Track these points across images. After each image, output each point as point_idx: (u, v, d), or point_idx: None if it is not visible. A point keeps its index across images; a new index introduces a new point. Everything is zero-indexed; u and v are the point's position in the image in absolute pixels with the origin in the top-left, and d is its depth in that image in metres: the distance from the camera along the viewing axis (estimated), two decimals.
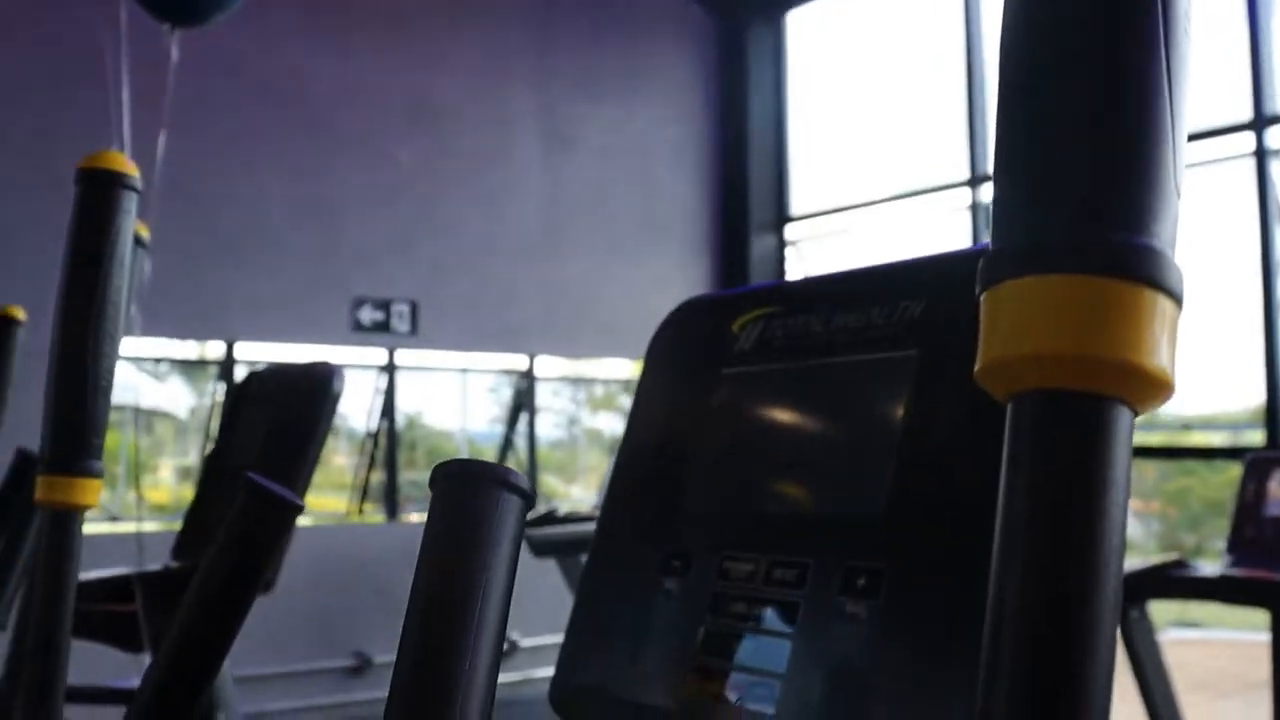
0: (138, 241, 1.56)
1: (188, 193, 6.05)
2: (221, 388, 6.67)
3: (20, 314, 2.37)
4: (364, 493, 7.02)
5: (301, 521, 6.73)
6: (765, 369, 0.99)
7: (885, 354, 0.88)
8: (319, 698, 6.32)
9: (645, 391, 1.11)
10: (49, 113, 5.84)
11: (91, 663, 1.83)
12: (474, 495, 0.62)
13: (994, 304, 0.45)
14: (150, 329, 5.68)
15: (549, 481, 8.43)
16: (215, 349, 6.70)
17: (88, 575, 2.12)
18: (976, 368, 0.46)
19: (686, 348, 1.09)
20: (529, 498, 0.63)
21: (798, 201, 8.48)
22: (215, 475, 2.15)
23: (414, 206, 7.12)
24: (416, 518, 7.14)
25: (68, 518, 1.10)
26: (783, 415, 0.98)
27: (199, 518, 2.08)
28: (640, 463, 1.06)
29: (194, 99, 5.62)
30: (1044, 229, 0.44)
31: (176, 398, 8.17)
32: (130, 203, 1.18)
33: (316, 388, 1.96)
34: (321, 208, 6.79)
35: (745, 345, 1.02)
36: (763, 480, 0.95)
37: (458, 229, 7.27)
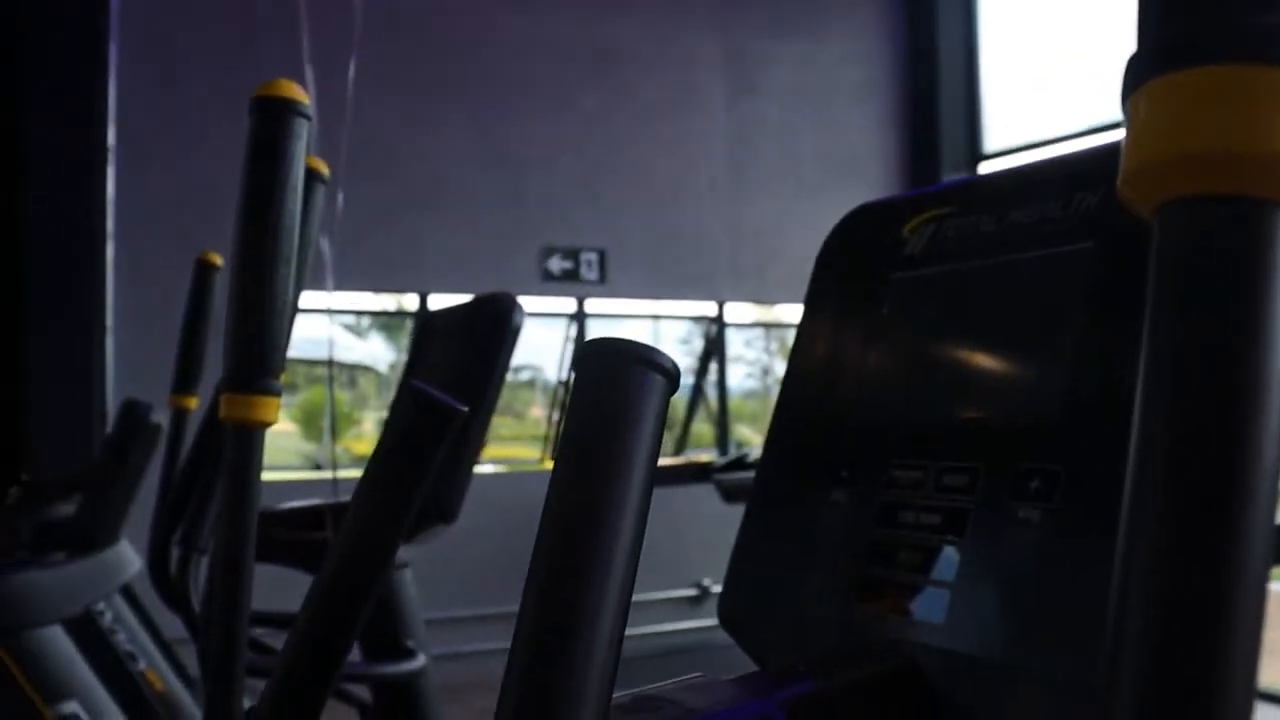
0: (317, 177, 1.60)
1: (378, 148, 6.22)
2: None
3: (218, 260, 2.48)
4: (555, 440, 7.13)
5: (496, 469, 6.88)
6: (936, 271, 0.96)
7: (1060, 249, 0.84)
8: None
9: (814, 301, 1.09)
10: (241, 73, 6.07)
11: (284, 592, 1.89)
12: (616, 373, 0.60)
13: (1136, 109, 0.40)
14: (346, 283, 5.88)
15: (741, 431, 8.43)
16: (410, 302, 6.89)
17: (283, 505, 2.20)
18: (1118, 181, 0.40)
19: (856, 254, 1.06)
20: (673, 377, 0.62)
21: (991, 138, 8.22)
22: None
23: (599, 154, 7.17)
24: None
25: (249, 434, 1.13)
26: (953, 318, 0.94)
27: None
28: (808, 374, 1.04)
29: (380, 55, 5.76)
30: (1188, 20, 0.39)
31: (377, 352, 8.44)
32: (301, 129, 1.20)
33: (496, 319, 1.98)
34: (508, 158, 6.89)
35: (916, 249, 0.98)
36: (932, 386, 0.92)
37: (643, 175, 7.29)
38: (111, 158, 6.03)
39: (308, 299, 5.50)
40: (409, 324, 7.36)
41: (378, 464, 0.92)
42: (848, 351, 1.01)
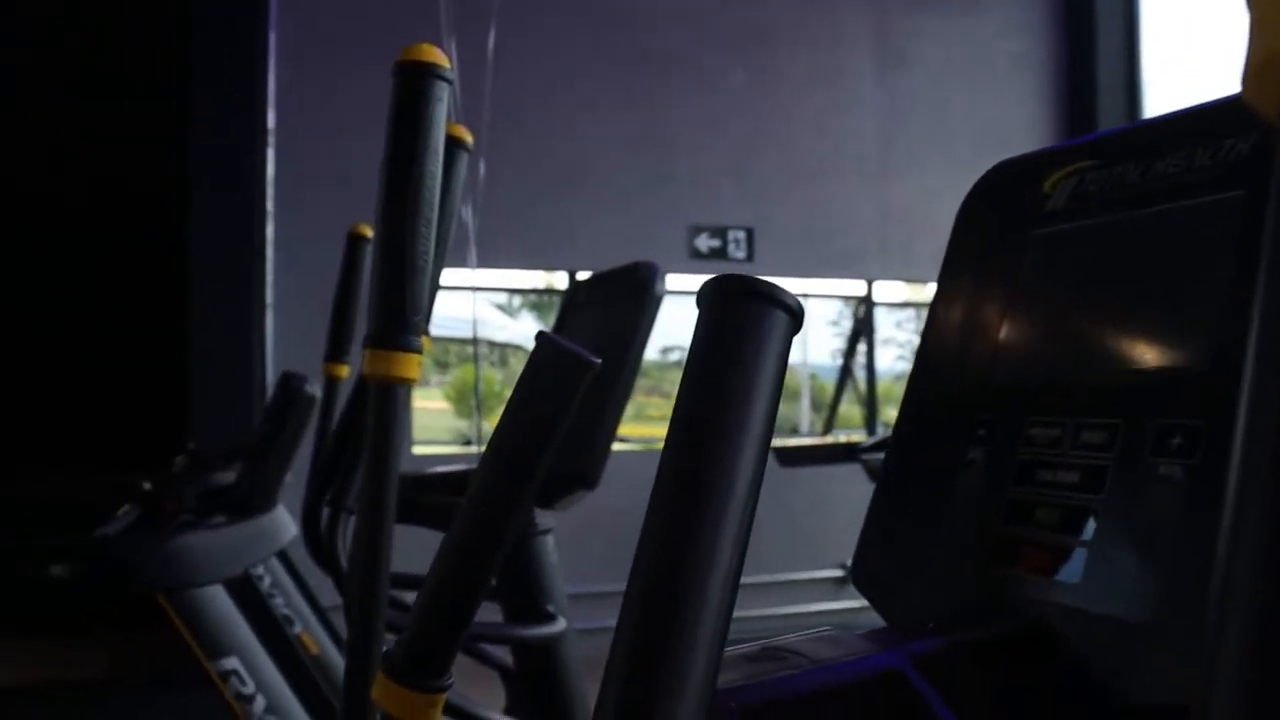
0: (460, 145, 1.62)
1: (526, 127, 6.29)
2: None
3: (369, 231, 2.54)
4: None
5: (643, 447, 6.90)
6: (1079, 225, 0.93)
7: (1208, 198, 0.81)
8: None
9: (952, 260, 1.07)
10: (387, 60, 6.19)
11: (429, 557, 1.93)
12: (736, 311, 0.60)
13: None
14: (494, 261, 5.97)
15: (890, 413, 8.32)
16: (560, 280, 6.96)
17: (429, 470, 2.25)
18: (1240, 81, 0.33)
19: (995, 211, 1.04)
20: (797, 315, 0.61)
21: (1152, 110, 7.95)
22: None
23: (746, 131, 7.13)
24: None
25: (391, 390, 1.16)
26: (1095, 272, 0.91)
27: None
28: (945, 334, 1.02)
29: (525, 33, 5.82)
30: None
31: (528, 331, 8.55)
32: (442, 92, 1.22)
33: (639, 287, 1.98)
34: (655, 136, 6.90)
35: (1057, 203, 0.96)
36: (1073, 341, 0.89)
37: (791, 152, 7.23)
38: (271, 140, 6.21)
39: (454, 276, 5.61)
40: (559, 303, 7.44)
41: (512, 414, 0.93)
42: (986, 310, 0.98)
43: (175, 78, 6.30)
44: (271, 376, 6.02)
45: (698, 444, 0.57)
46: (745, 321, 0.59)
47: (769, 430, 0.59)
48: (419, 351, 1.17)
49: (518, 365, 8.35)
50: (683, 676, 0.52)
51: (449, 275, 5.84)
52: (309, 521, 2.19)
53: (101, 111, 7.60)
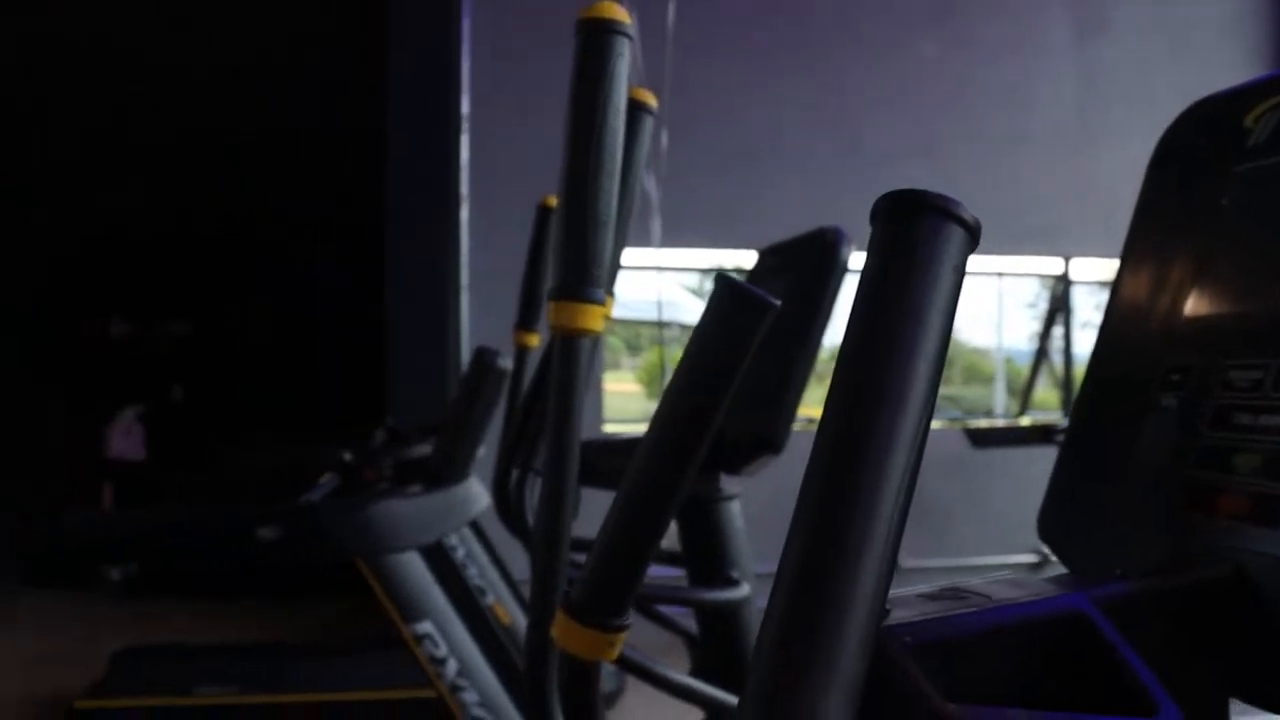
0: (644, 108, 1.63)
1: (708, 102, 6.27)
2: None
3: (554, 201, 2.58)
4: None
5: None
6: None
7: None
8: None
9: (1147, 203, 1.03)
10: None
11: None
12: (911, 225, 0.59)
13: None
14: (678, 239, 5.98)
15: None
16: (748, 259, 6.94)
17: (609, 436, 2.28)
18: None
19: (1194, 149, 0.99)
20: (974, 230, 0.60)
21: None
22: None
23: (936, 102, 6.97)
24: (938, 424, 7.04)
25: (575, 342, 1.18)
26: None
27: None
28: (1139, 279, 0.99)
29: (706, 6, 5.80)
30: None
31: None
32: (623, 48, 1.23)
33: (824, 251, 1.96)
34: (839, 110, 6.80)
35: (1260, 138, 0.91)
36: (1275, 281, 0.85)
37: (983, 124, 7.04)
38: (465, 125, 6.36)
39: (640, 256, 5.64)
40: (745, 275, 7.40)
41: (691, 357, 0.94)
42: (1183, 252, 0.94)
43: (372, 69, 6.51)
44: (465, 354, 6.18)
45: (872, 358, 0.56)
46: (920, 236, 0.58)
47: (944, 346, 0.58)
48: (603, 304, 1.19)
49: None
50: (846, 606, 0.51)
51: (636, 255, 5.92)
52: (499, 484, 2.25)
53: (305, 104, 7.91)
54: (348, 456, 3.68)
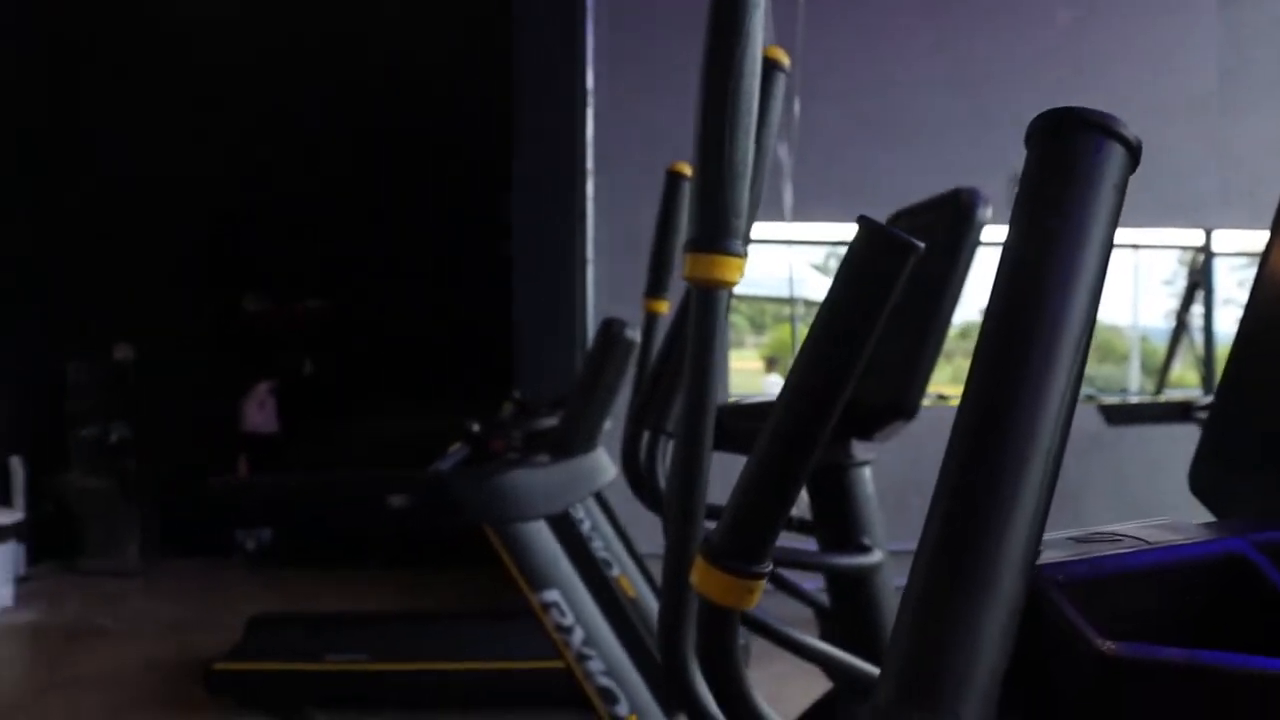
0: (777, 66, 1.61)
1: (839, 73, 6.19)
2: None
3: (688, 169, 2.56)
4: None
5: (937, 403, 6.71)
6: None
7: None
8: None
9: None
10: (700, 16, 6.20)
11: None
12: (1067, 142, 0.56)
13: None
14: (806, 214, 5.92)
15: None
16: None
17: (742, 400, 2.26)
18: None
19: None
20: (1134, 148, 0.57)
21: None
22: None
23: (1072, 71, 6.76)
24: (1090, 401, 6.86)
25: (712, 294, 1.16)
26: None
27: None
28: None
29: None
30: None
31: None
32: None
33: (960, 214, 1.92)
34: (973, 79, 6.65)
35: None
36: None
37: (1121, 92, 6.81)
38: (590, 100, 6.37)
39: (769, 230, 5.59)
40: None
41: (832, 301, 0.92)
42: None
43: (497, 47, 6.56)
44: (590, 328, 6.21)
45: (1031, 275, 0.55)
46: (1072, 154, 0.55)
47: (1105, 265, 0.55)
48: (740, 256, 1.17)
49: None
50: (1002, 543, 0.51)
51: (765, 229, 5.88)
52: (629, 450, 2.24)
53: (433, 85, 8.01)
54: (476, 427, 3.72)
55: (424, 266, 8.23)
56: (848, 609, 2.01)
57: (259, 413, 8.23)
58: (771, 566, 0.96)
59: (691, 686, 1.14)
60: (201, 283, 8.30)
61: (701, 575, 0.96)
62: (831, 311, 0.92)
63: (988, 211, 1.93)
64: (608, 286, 6.26)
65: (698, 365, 1.17)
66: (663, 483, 1.90)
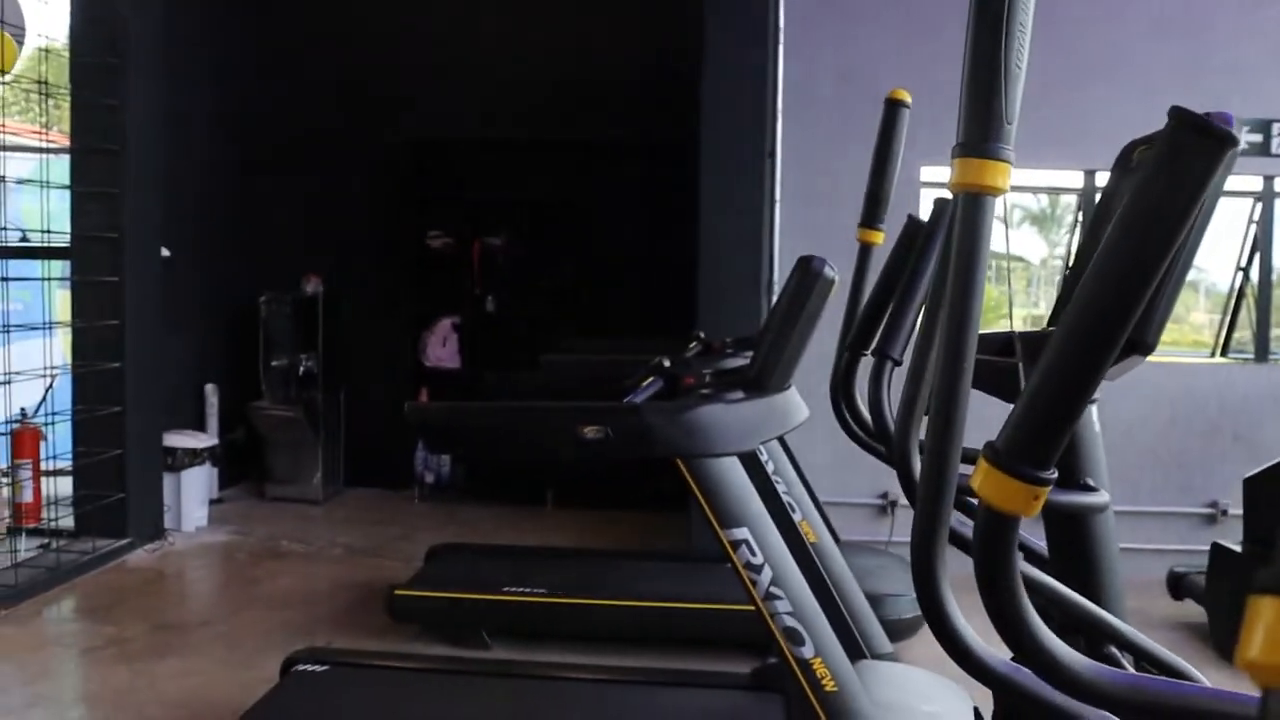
0: None
1: (1044, 14, 5.95)
2: (1080, 215, 6.59)
3: (907, 96, 2.50)
4: (1229, 332, 6.54)
5: (1158, 359, 6.51)
6: None
7: None
8: (1167, 542, 6.13)
9: None
10: None
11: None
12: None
13: None
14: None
15: None
16: (1072, 179, 6.60)
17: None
18: None
19: None
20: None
21: None
22: (1085, 254, 2.09)
23: None
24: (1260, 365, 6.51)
25: (979, 200, 1.12)
26: None
27: (1065, 295, 2.05)
28: None
29: None
30: None
31: (1029, 244, 8.21)
32: None
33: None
34: (1188, 21, 6.32)
35: None
36: None
37: None
38: (780, 39, 6.28)
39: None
40: (1062, 216, 7.09)
41: (1138, 195, 0.88)
42: None
43: None
44: (779, 270, 6.15)
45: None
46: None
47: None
48: (1010, 162, 1.12)
49: (1017, 280, 8.03)
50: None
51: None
52: (844, 377, 2.21)
53: (623, 22, 8.02)
54: (666, 363, 3.72)
55: (610, 207, 8.27)
56: (1067, 552, 1.94)
57: (441, 348, 8.40)
58: (1056, 475, 0.92)
59: (944, 606, 1.11)
60: (389, 219, 8.47)
61: (984, 479, 0.92)
62: (1137, 206, 0.88)
63: (1234, 145, 1.82)
64: (798, 229, 6.18)
65: (964, 275, 1.13)
66: (889, 409, 1.85)
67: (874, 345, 1.96)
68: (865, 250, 2.47)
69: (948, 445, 1.11)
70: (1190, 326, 7.67)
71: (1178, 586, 5.45)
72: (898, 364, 1.90)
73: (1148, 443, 6.11)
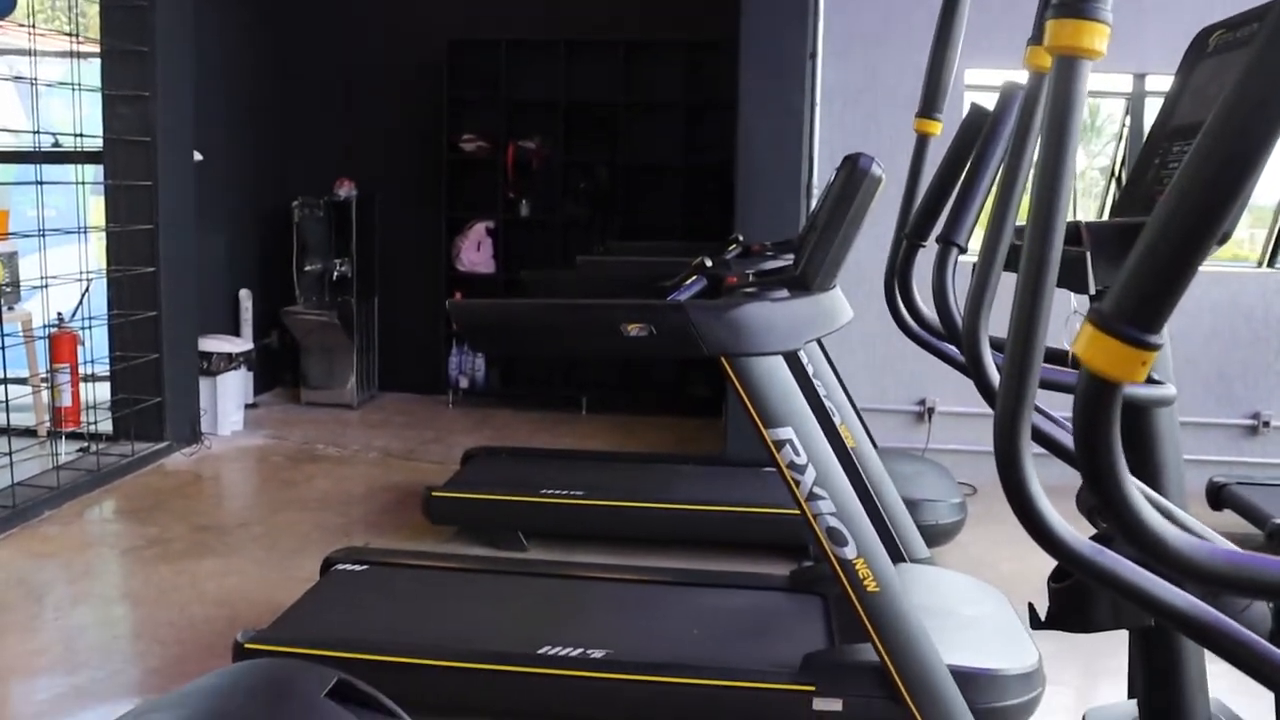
0: None
1: None
2: (1128, 121, 6.45)
3: None
4: (1278, 240, 6.41)
5: (1203, 267, 6.43)
6: None
7: None
8: (1207, 454, 6.07)
9: None
10: None
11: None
12: None
13: None
14: None
15: None
16: (1120, 82, 6.44)
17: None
18: None
19: None
20: None
21: None
22: (1156, 141, 2.02)
23: None
24: None
25: (1073, 64, 1.07)
26: None
27: (1134, 182, 1.99)
28: None
29: None
30: None
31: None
32: None
33: None
34: None
35: None
36: None
37: None
38: None
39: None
40: (1103, 127, 6.93)
41: (1255, 58, 0.83)
42: None
43: None
44: (819, 174, 6.07)
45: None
46: None
47: None
48: (1109, 24, 1.07)
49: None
50: None
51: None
52: (902, 265, 2.17)
53: None
54: (709, 262, 3.68)
55: (647, 110, 8.17)
56: (1132, 447, 1.90)
57: (475, 253, 8.36)
58: (1165, 341, 0.88)
59: (1026, 485, 1.08)
60: (423, 123, 8.40)
61: (1088, 343, 0.88)
62: (1255, 68, 0.83)
63: None
64: (838, 132, 6.08)
65: (1056, 144, 1.08)
66: (953, 298, 1.81)
67: (938, 233, 1.90)
68: (922, 141, 2.40)
69: (1036, 312, 1.07)
70: (1231, 241, 7.55)
71: (1217, 497, 5.41)
72: (963, 251, 1.85)
73: (1189, 353, 6.02)
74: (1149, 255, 0.86)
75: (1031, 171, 1.19)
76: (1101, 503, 0.95)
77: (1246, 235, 6.84)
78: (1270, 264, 6.39)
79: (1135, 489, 0.94)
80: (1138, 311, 0.86)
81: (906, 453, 5.84)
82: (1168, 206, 0.85)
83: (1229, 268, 6.47)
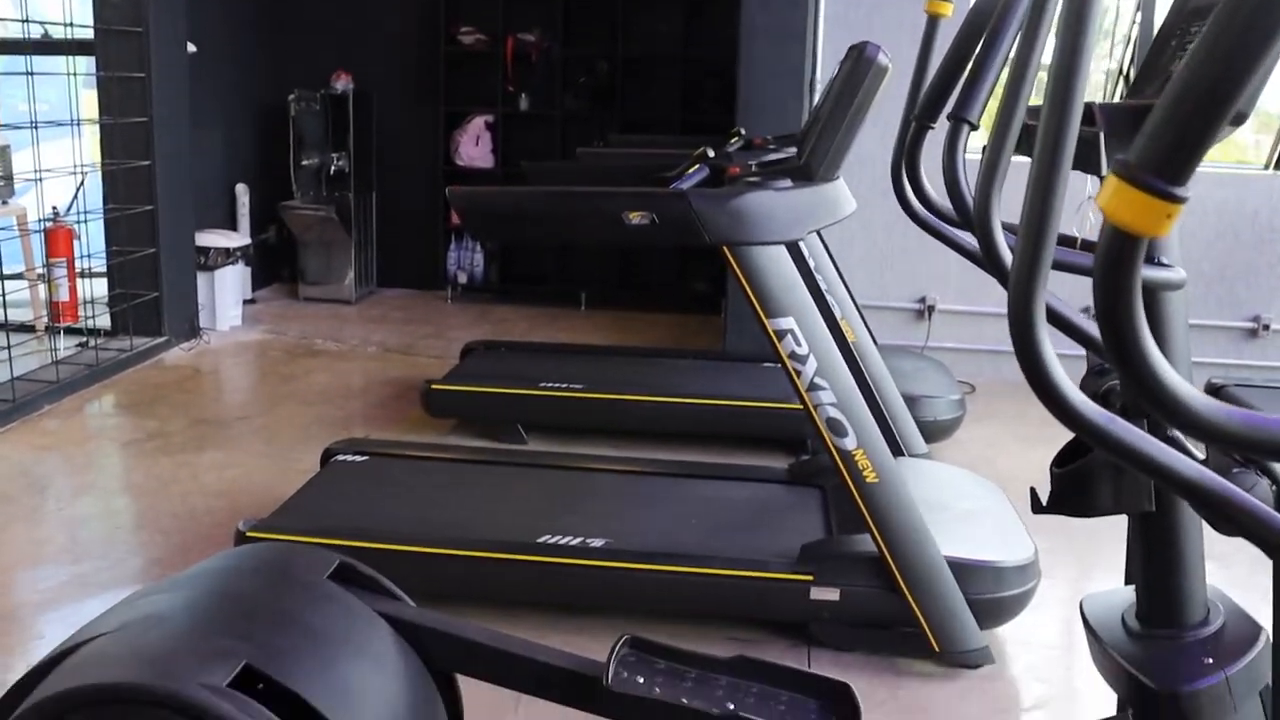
0: None
1: None
2: (1138, 16, 6.33)
3: None
4: None
5: (1206, 168, 6.36)
6: None
7: None
8: (1207, 356, 6.07)
9: None
10: None
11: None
12: None
13: None
14: None
15: None
16: None
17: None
18: None
19: None
20: None
21: None
22: (1173, 23, 1.98)
23: None
24: None
25: None
26: None
27: (1150, 64, 1.95)
28: None
29: None
30: None
31: None
32: None
33: None
34: None
35: None
36: None
37: None
38: None
39: None
40: (1110, 30, 6.78)
41: None
42: None
43: None
44: (822, 69, 5.99)
45: None
46: None
47: None
48: None
49: None
50: None
51: None
52: (911, 145, 2.13)
53: None
54: (711, 152, 3.63)
55: (648, 1, 8.03)
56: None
57: (474, 147, 8.27)
58: (1190, 197, 0.86)
59: (1041, 355, 1.06)
60: (421, 15, 8.25)
61: (1112, 194, 0.86)
62: None
63: None
64: (842, 26, 5.98)
65: (1076, 18, 1.05)
66: (964, 177, 1.77)
67: (949, 111, 1.86)
68: (933, 22, 2.36)
69: (1053, 183, 1.05)
70: (1235, 145, 7.46)
71: (1215, 398, 5.42)
72: (975, 128, 1.81)
73: (1191, 254, 5.99)
74: (1178, 103, 0.83)
75: (1049, 48, 1.16)
76: (1118, 358, 0.94)
77: (1253, 141, 6.77)
78: (1278, 167, 6.32)
79: (1155, 349, 0.93)
80: (1165, 162, 0.84)
81: (906, 349, 5.84)
82: (1198, 54, 0.82)
83: (1235, 169, 6.41)
